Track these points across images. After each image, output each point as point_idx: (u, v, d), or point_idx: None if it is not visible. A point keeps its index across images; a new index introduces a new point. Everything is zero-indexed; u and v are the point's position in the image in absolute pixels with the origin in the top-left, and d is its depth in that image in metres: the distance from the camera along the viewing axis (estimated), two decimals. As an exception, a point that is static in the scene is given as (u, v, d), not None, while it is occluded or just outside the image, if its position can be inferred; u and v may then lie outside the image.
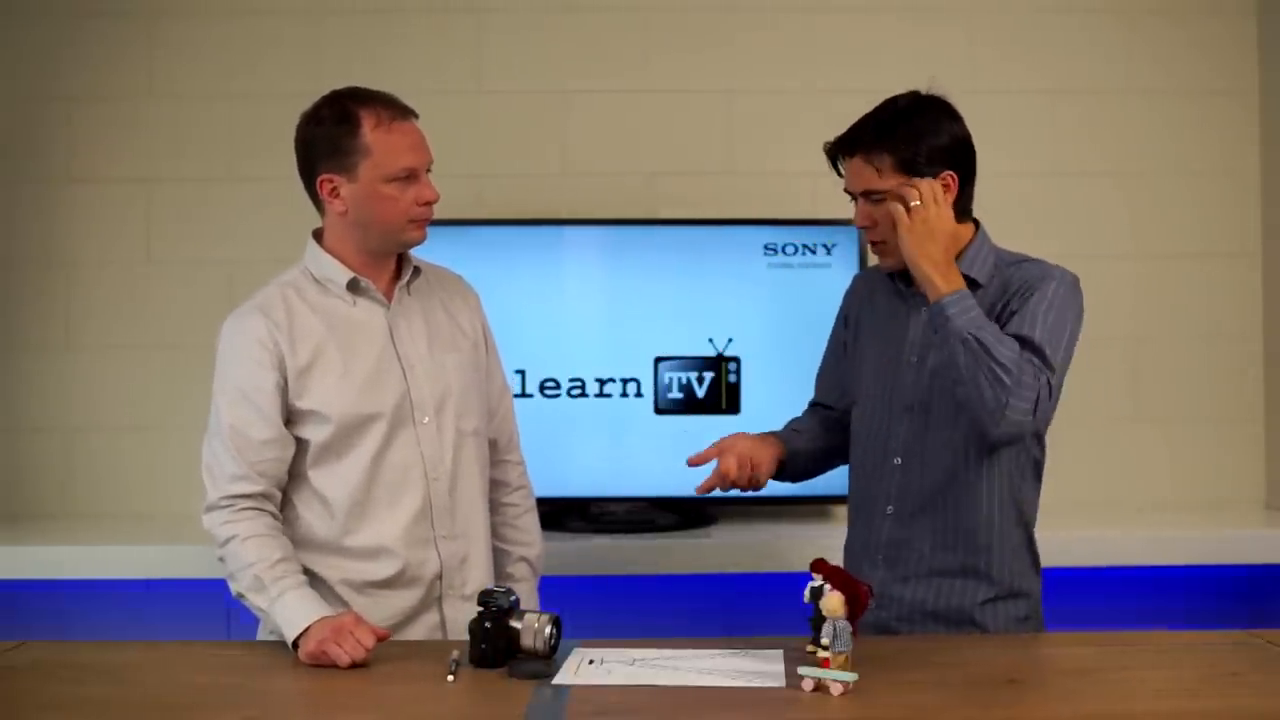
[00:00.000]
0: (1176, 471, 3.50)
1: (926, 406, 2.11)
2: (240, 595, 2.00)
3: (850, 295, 2.35)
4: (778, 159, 3.46)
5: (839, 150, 2.11)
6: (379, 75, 3.58)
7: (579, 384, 3.25)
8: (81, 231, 3.42)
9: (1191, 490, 3.51)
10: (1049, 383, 1.97)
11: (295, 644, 1.88)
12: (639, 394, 3.25)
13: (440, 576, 2.13)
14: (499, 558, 2.31)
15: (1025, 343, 1.98)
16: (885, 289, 2.22)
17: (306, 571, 2.07)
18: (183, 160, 3.42)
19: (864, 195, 2.08)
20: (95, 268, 3.41)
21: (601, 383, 3.25)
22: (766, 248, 3.26)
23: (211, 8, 3.43)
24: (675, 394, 3.25)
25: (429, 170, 2.11)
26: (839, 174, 2.13)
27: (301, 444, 2.08)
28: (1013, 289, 2.07)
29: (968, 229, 2.12)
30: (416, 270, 2.20)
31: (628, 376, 3.25)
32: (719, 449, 2.19)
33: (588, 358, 3.25)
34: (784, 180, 3.43)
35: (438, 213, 3.37)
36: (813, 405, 2.43)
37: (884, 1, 3.50)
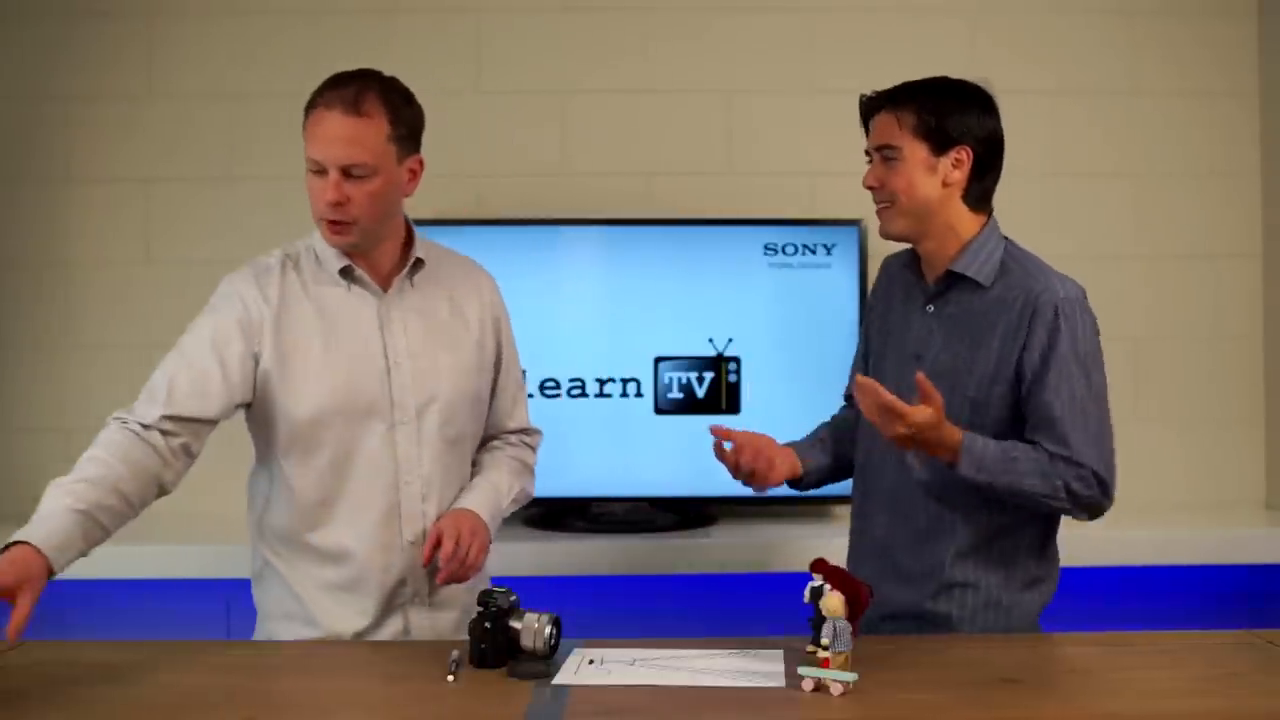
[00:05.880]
0: (1177, 471, 3.50)
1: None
2: None
3: (877, 281, 2.34)
4: (778, 159, 3.46)
5: (870, 106, 2.12)
6: (379, 75, 3.56)
7: (579, 384, 3.24)
8: (80, 231, 3.42)
9: (1192, 490, 3.51)
10: (1088, 469, 2.01)
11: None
12: (639, 394, 3.25)
13: (405, 583, 2.07)
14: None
15: (1050, 427, 2.01)
16: (901, 280, 2.22)
17: (269, 566, 2.07)
18: (181, 160, 3.42)
19: (879, 150, 2.09)
20: (93, 267, 3.41)
21: (601, 383, 3.25)
22: (766, 248, 3.26)
23: (210, 7, 3.43)
24: (675, 394, 3.25)
25: (350, 173, 1.97)
26: (868, 135, 2.14)
27: (275, 431, 2.04)
28: (1020, 320, 2.03)
29: (975, 222, 2.11)
30: (420, 261, 2.12)
31: (628, 376, 3.25)
32: (744, 434, 2.20)
33: (588, 358, 3.25)
34: (784, 180, 3.44)
35: (438, 213, 3.39)
36: (848, 400, 2.42)
37: (885, 0, 3.50)
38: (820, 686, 1.67)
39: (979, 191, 2.09)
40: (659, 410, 3.25)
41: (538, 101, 3.47)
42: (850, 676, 1.66)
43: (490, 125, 3.45)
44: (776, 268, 3.26)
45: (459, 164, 3.41)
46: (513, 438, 2.31)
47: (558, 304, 3.25)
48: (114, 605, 2.93)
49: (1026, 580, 2.11)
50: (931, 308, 2.13)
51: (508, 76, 3.46)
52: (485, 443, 2.27)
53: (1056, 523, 2.15)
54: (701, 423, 3.23)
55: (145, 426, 1.95)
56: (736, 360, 3.25)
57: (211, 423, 2.00)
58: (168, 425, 1.95)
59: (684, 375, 3.25)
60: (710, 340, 3.26)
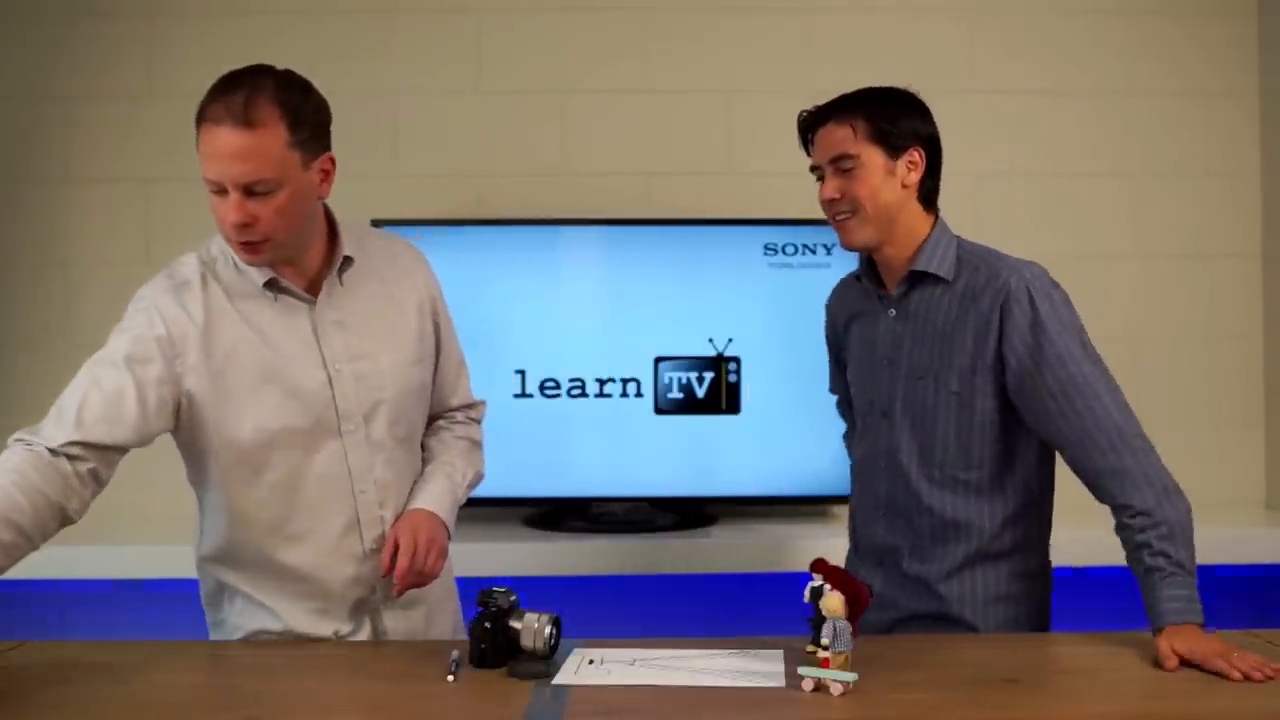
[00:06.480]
0: (1176, 472, 3.46)
1: (898, 411, 2.10)
2: None
3: (834, 306, 2.34)
4: (778, 159, 3.43)
5: (814, 120, 2.12)
6: (379, 75, 3.58)
7: (579, 384, 3.24)
8: (79, 231, 3.42)
9: (1192, 490, 3.46)
10: (1149, 457, 2.14)
11: None
12: (639, 394, 3.25)
13: (373, 589, 2.01)
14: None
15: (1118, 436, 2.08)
16: (858, 292, 2.23)
17: (227, 587, 2.00)
18: (181, 160, 3.35)
19: (833, 163, 2.07)
20: (93, 267, 3.41)
21: (601, 383, 3.25)
22: (766, 248, 3.26)
23: (210, 7, 3.44)
24: (675, 394, 3.25)
25: (253, 191, 1.81)
26: (808, 152, 2.13)
27: (212, 455, 1.93)
28: (991, 306, 2.01)
29: (927, 222, 2.10)
30: (349, 258, 1.97)
31: (628, 376, 3.25)
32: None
33: (588, 358, 3.25)
34: (784, 180, 3.41)
35: (438, 213, 3.38)
36: (845, 409, 2.42)
37: (884, 1, 3.50)
38: (820, 686, 1.67)
39: (929, 192, 2.11)
40: (659, 410, 3.25)
41: (538, 101, 3.47)
42: (850, 676, 1.66)
43: (490, 125, 3.45)
44: (776, 268, 3.26)
45: (459, 164, 3.41)
46: (458, 414, 2.21)
47: (558, 304, 3.25)
48: (113, 605, 2.94)
49: (1032, 570, 2.12)
50: (894, 311, 2.12)
51: (508, 76, 3.46)
52: (430, 421, 2.17)
53: (1051, 510, 2.16)
54: (701, 423, 3.26)
55: (52, 452, 1.81)
56: (736, 360, 3.26)
57: (122, 450, 1.86)
58: (75, 450, 1.81)
59: (684, 375, 3.25)
60: (710, 340, 3.26)
